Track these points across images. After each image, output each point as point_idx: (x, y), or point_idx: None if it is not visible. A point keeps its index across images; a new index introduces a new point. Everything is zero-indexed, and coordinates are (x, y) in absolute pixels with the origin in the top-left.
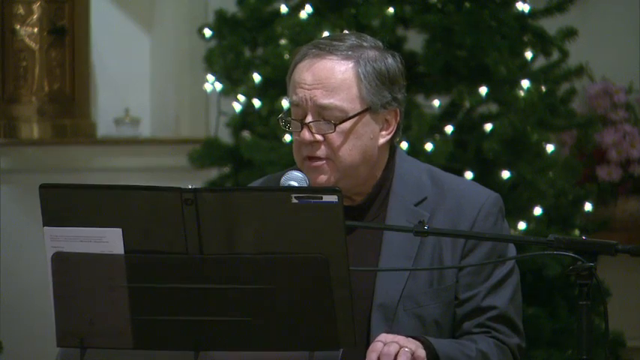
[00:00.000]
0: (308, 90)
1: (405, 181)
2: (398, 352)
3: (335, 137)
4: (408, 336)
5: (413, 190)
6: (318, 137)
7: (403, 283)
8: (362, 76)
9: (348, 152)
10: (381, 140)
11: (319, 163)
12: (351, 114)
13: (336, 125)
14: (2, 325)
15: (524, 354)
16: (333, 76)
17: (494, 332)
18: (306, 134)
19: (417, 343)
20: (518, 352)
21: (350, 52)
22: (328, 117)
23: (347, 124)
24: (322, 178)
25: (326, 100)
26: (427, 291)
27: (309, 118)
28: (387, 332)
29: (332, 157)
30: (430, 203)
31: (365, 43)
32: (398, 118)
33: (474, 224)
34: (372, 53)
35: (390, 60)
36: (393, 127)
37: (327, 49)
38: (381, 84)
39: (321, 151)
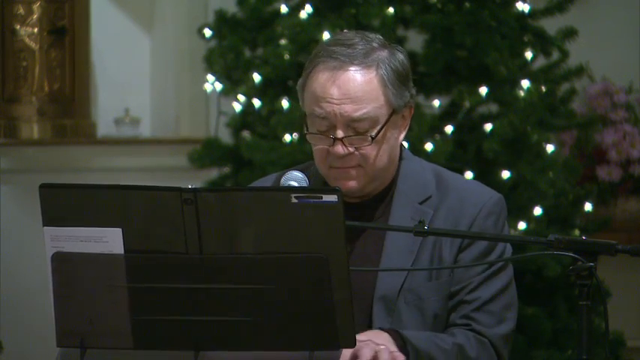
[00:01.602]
0: (337, 105)
1: (410, 180)
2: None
3: (369, 148)
4: (382, 329)
5: (418, 189)
6: (352, 150)
7: (403, 276)
8: (386, 80)
9: (380, 159)
10: (400, 138)
11: (349, 169)
12: (382, 121)
13: (373, 139)
14: (2, 325)
15: (509, 342)
16: (360, 87)
17: (475, 323)
18: (339, 149)
19: (389, 337)
20: (501, 343)
21: (367, 59)
22: (360, 128)
23: (380, 134)
24: (352, 184)
25: (358, 113)
26: (426, 284)
27: (340, 133)
28: (389, 324)
29: (364, 165)
30: (434, 201)
31: (374, 44)
32: (412, 112)
33: (474, 222)
34: (383, 53)
35: (400, 56)
36: (407, 123)
37: (345, 59)
38: (401, 84)
39: (354, 161)
